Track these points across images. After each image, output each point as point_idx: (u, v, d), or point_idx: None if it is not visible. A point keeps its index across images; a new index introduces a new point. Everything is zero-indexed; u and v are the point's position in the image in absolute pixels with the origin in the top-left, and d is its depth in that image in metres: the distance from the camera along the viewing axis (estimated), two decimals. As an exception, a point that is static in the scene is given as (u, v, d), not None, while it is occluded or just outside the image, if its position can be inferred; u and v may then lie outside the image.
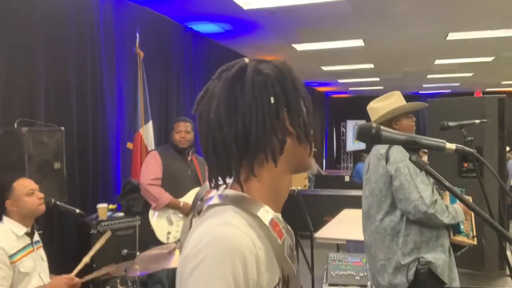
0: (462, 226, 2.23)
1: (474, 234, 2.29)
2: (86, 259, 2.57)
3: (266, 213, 0.82)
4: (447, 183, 0.94)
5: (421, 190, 2.10)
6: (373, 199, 2.29)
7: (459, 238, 2.23)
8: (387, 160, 2.20)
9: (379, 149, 2.27)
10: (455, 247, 2.24)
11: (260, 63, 0.88)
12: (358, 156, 9.69)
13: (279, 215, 0.88)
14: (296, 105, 0.86)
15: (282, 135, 0.84)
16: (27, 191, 2.30)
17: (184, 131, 3.44)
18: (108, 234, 2.71)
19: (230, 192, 0.86)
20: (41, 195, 2.35)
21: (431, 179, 2.15)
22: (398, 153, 2.15)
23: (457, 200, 2.26)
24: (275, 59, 0.92)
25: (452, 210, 2.15)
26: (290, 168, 0.89)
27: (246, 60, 0.89)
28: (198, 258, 0.73)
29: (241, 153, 0.83)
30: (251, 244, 0.76)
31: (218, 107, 0.84)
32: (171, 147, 3.49)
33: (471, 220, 2.32)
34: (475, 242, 2.27)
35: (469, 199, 2.15)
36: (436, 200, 2.10)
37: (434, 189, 2.20)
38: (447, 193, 2.31)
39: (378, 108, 2.34)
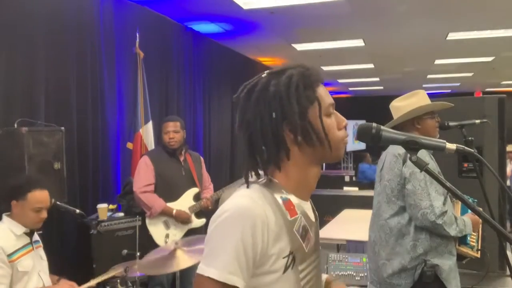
0: (469, 238, 2.22)
1: (479, 247, 2.27)
2: (93, 283, 2.53)
3: (283, 195, 0.98)
4: (447, 184, 0.94)
5: (433, 198, 2.06)
6: (383, 197, 2.26)
7: (464, 249, 2.21)
8: (404, 161, 2.16)
9: (398, 148, 2.19)
10: (459, 256, 2.23)
11: (273, 78, 1.00)
12: (361, 156, 9.63)
13: (306, 203, 1.05)
14: (293, 116, 0.96)
15: (285, 144, 0.98)
16: (36, 207, 2.27)
17: (172, 131, 3.35)
18: (120, 270, 2.58)
19: (262, 177, 1.03)
20: (45, 215, 2.33)
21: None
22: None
23: (469, 210, 2.25)
24: (295, 64, 1.02)
25: (461, 223, 2.12)
26: (313, 163, 1.02)
27: (264, 74, 1.02)
28: (219, 219, 0.92)
29: (257, 156, 1.01)
30: (263, 215, 0.92)
31: (237, 120, 1.03)
32: (162, 149, 3.42)
33: (478, 233, 2.31)
34: (478, 255, 2.25)
35: (480, 209, 2.13)
36: (446, 211, 2.07)
37: (448, 198, 2.17)
38: (459, 202, 2.29)
39: (401, 106, 2.28)
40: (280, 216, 0.94)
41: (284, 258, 0.93)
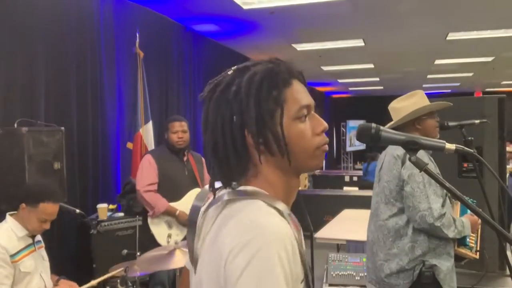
0: (468, 239, 2.22)
1: (478, 248, 2.27)
2: (94, 283, 2.54)
3: (283, 207, 0.84)
4: (447, 184, 0.94)
5: (431, 200, 2.06)
6: (381, 198, 2.27)
7: (463, 251, 2.21)
8: (403, 163, 2.16)
9: (397, 149, 2.19)
10: (457, 257, 2.23)
11: (237, 75, 0.87)
12: (372, 156, 9.52)
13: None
14: (251, 122, 0.83)
15: (247, 153, 0.86)
16: (42, 218, 2.28)
17: (181, 131, 3.34)
18: (119, 270, 2.57)
19: (245, 187, 0.87)
20: (48, 227, 2.34)
21: (444, 190, 2.12)
22: None
23: (468, 211, 2.25)
24: (267, 59, 0.90)
25: (459, 225, 2.12)
26: (289, 172, 0.89)
27: (229, 71, 0.89)
28: (250, 249, 0.72)
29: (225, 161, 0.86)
30: (291, 232, 0.78)
31: (202, 119, 0.90)
32: (166, 148, 3.41)
33: (477, 234, 2.31)
34: (477, 256, 2.26)
35: (479, 209, 2.12)
36: (444, 214, 2.06)
37: (447, 199, 2.17)
38: (458, 202, 2.29)
39: (401, 108, 2.27)
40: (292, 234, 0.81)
41: (301, 283, 0.81)
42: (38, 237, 2.41)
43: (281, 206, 0.83)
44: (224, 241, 0.77)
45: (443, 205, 2.11)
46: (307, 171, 0.93)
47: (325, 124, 0.89)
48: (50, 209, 2.28)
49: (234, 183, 0.88)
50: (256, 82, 0.84)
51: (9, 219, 2.29)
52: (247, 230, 0.75)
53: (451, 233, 2.08)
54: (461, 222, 2.15)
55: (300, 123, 0.86)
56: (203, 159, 3.65)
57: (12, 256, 2.18)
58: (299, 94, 0.88)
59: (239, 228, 0.76)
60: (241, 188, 0.87)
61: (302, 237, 0.86)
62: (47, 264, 2.45)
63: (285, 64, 0.88)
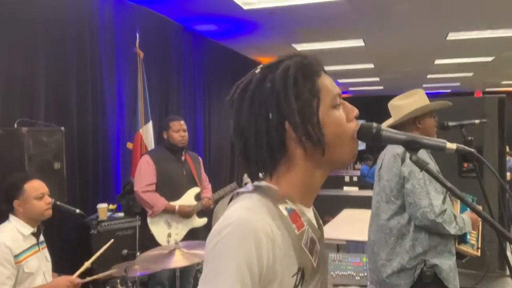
0: (468, 237, 2.22)
1: (479, 246, 2.28)
2: (87, 264, 2.55)
3: (287, 204, 0.87)
4: (448, 184, 0.94)
5: (432, 197, 2.06)
6: (382, 197, 2.27)
7: (464, 248, 2.21)
8: (403, 160, 2.16)
9: (396, 147, 2.20)
10: (459, 255, 2.23)
11: (268, 72, 0.88)
12: (365, 158, 9.47)
13: (309, 210, 0.94)
14: (293, 114, 0.85)
15: (285, 148, 0.87)
16: (37, 194, 2.29)
17: (182, 130, 3.36)
18: (111, 241, 2.69)
19: (261, 183, 0.91)
20: (50, 200, 2.35)
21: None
22: None
23: (468, 209, 2.26)
24: (293, 54, 0.91)
25: (460, 221, 2.13)
26: (320, 166, 0.90)
27: (257, 70, 0.91)
28: (220, 235, 0.80)
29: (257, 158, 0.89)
30: (268, 229, 0.81)
31: (232, 125, 0.92)
32: (165, 148, 3.41)
33: (478, 231, 2.31)
34: (478, 253, 2.26)
35: (479, 208, 2.13)
36: (445, 210, 2.07)
37: (447, 196, 2.17)
38: (458, 200, 2.29)
39: (402, 106, 2.29)
40: (286, 230, 0.83)
41: (293, 276, 0.83)
42: (42, 238, 2.41)
43: (283, 203, 0.86)
44: (215, 225, 0.85)
45: (443, 202, 2.11)
46: (341, 165, 0.93)
47: (356, 110, 0.92)
48: (35, 184, 2.32)
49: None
50: (291, 75, 0.86)
51: (12, 219, 2.29)
52: (226, 220, 0.82)
53: (452, 229, 2.08)
54: (462, 219, 2.15)
55: (336, 110, 0.89)
56: (200, 158, 3.65)
57: (16, 256, 2.18)
58: (331, 83, 0.90)
59: (224, 217, 0.84)
60: (257, 183, 0.91)
61: (311, 234, 0.89)
62: (50, 265, 2.45)
63: (312, 57, 0.90)
